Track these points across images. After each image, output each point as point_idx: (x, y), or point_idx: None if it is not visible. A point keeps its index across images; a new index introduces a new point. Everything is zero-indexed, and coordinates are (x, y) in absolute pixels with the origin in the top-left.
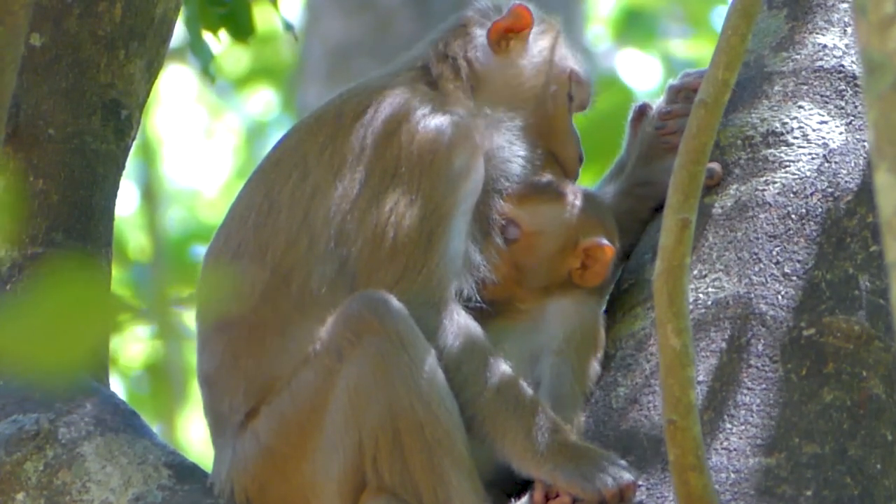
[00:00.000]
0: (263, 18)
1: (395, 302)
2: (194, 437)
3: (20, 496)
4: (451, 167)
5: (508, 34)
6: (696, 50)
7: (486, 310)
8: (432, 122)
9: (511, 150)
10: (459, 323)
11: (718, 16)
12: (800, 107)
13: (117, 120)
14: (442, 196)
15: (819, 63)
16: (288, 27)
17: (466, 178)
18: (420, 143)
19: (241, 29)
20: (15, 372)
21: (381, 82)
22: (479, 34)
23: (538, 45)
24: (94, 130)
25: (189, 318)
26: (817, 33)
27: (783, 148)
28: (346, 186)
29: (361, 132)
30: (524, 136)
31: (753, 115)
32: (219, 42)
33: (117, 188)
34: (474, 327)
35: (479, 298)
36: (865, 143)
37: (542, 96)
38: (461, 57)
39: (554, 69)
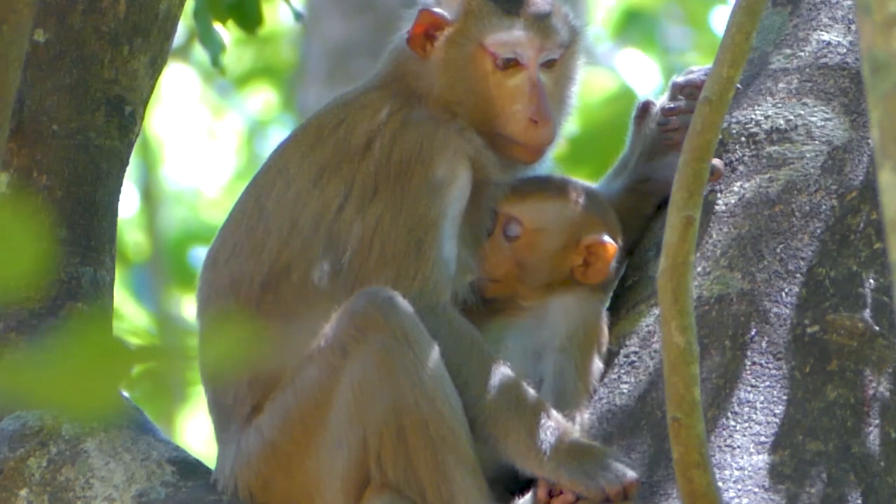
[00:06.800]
0: (265, 17)
1: (400, 299)
2: (193, 436)
3: (23, 492)
4: (433, 177)
5: (427, 38)
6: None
7: (489, 307)
8: (407, 134)
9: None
10: (456, 326)
11: (720, 17)
12: (804, 104)
13: (121, 116)
14: (426, 206)
15: (823, 60)
16: (298, 17)
17: (451, 185)
18: (398, 156)
19: (250, 20)
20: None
21: (355, 94)
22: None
23: (453, 37)
24: (97, 126)
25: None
26: (821, 30)
27: (787, 145)
28: (326, 196)
29: (338, 145)
30: (478, 130)
31: (757, 112)
32: (227, 30)
33: (121, 184)
34: (472, 330)
35: (478, 298)
36: (870, 141)
37: (470, 83)
38: (406, 69)
39: (467, 51)
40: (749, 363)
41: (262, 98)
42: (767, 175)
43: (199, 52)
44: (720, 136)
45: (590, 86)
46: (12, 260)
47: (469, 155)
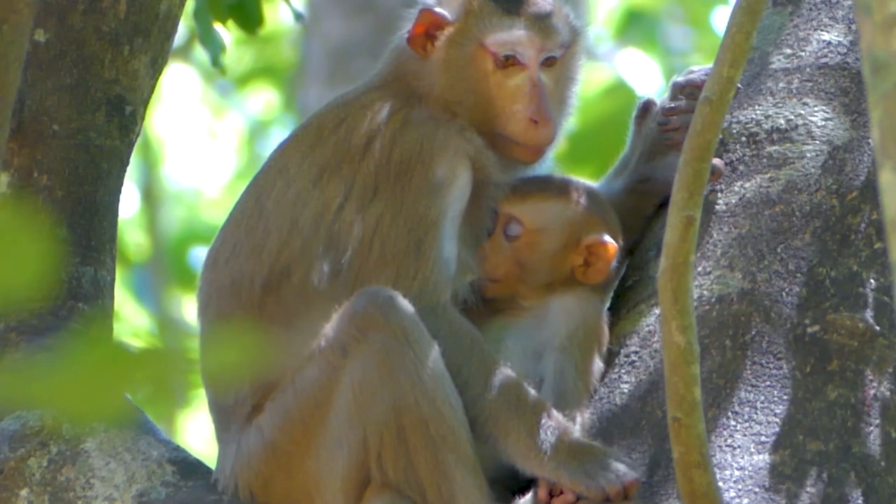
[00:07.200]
0: (266, 17)
1: (400, 299)
2: (194, 436)
3: (24, 492)
4: (433, 177)
5: (428, 38)
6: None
7: (489, 307)
8: (407, 134)
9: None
10: (457, 326)
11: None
12: (804, 104)
13: (121, 116)
14: (426, 206)
15: (823, 60)
16: (298, 17)
17: (451, 185)
18: (398, 156)
19: (250, 20)
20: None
21: (356, 94)
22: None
23: (454, 37)
24: (98, 126)
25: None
26: (822, 30)
27: (788, 145)
28: (326, 196)
29: (338, 145)
30: (478, 130)
31: (758, 111)
32: (228, 30)
33: (121, 184)
34: (472, 330)
35: (478, 298)
36: (870, 140)
37: (470, 83)
38: (406, 69)
39: (467, 50)
40: (749, 363)
41: (263, 98)
42: (768, 175)
43: (200, 52)
44: (720, 136)
45: (588, 81)
46: (12, 260)
47: (469, 155)
